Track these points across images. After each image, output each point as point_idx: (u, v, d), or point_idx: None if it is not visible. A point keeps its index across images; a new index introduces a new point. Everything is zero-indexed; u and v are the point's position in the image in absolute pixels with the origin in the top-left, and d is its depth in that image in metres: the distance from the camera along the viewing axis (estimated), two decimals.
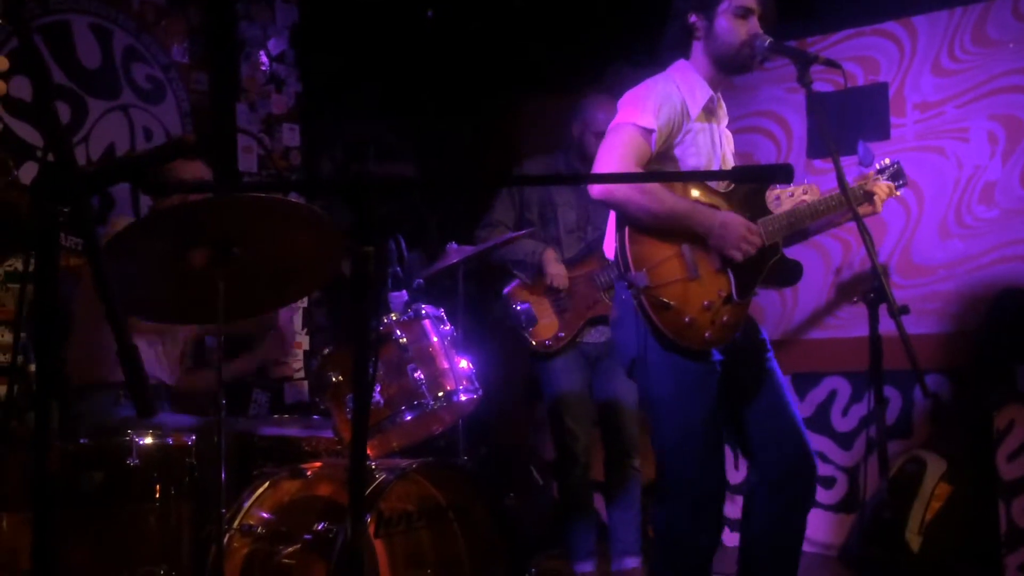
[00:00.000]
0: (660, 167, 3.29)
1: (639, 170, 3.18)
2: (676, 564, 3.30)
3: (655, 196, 3.17)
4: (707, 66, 3.36)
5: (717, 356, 3.27)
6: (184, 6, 5.03)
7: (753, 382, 3.36)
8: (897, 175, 3.62)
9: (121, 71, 4.72)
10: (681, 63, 3.39)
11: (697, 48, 3.37)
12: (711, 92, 3.37)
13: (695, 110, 3.32)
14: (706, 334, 3.18)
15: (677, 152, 3.31)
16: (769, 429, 3.34)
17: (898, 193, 3.63)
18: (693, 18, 3.34)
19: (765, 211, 3.34)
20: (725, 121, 3.52)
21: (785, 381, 3.42)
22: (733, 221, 3.21)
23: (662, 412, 3.27)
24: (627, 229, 3.19)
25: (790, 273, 3.39)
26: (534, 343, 4.67)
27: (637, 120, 3.21)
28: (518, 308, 4.70)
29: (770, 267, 3.32)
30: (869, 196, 3.49)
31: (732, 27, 3.28)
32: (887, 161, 3.64)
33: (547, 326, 4.66)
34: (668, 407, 3.25)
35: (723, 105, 3.50)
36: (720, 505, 3.31)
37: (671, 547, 3.30)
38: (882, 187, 3.54)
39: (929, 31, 5.11)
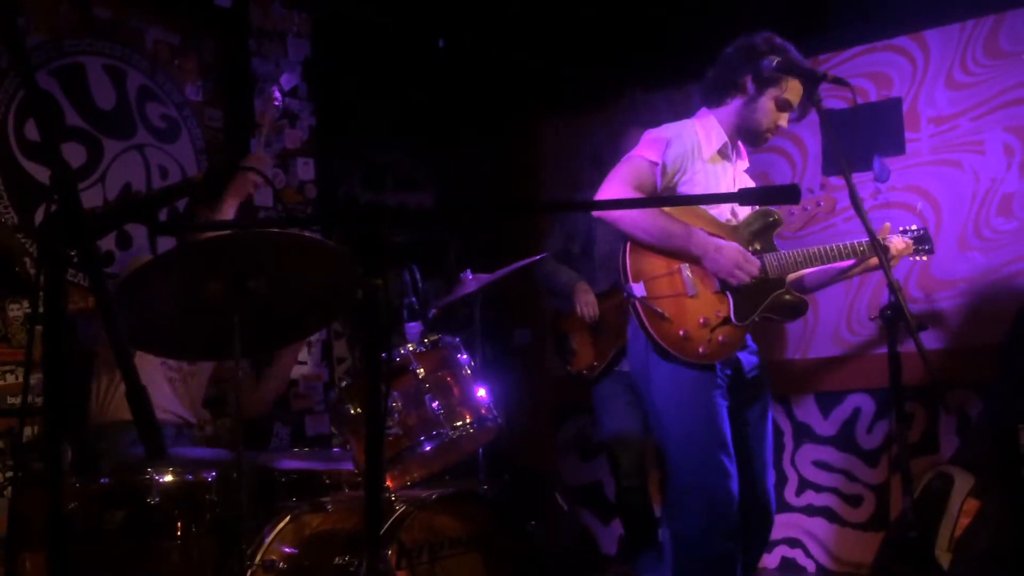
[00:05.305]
0: None
1: (638, 194, 3.35)
2: (695, 573, 3.38)
3: (652, 215, 3.35)
4: (729, 123, 3.53)
5: (726, 370, 3.41)
6: (197, 44, 5.07)
7: (748, 430, 3.51)
8: (923, 239, 3.65)
9: (136, 111, 4.75)
10: (704, 111, 3.56)
11: (731, 103, 3.51)
12: (726, 138, 3.53)
13: (708, 152, 3.48)
14: (700, 349, 3.32)
15: (684, 189, 3.45)
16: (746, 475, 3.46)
17: (919, 258, 3.70)
18: (745, 79, 3.45)
19: (773, 248, 3.49)
20: (742, 165, 3.66)
21: (771, 440, 3.58)
22: (729, 247, 3.36)
23: (665, 420, 3.42)
24: (629, 242, 3.38)
25: (794, 309, 3.53)
26: (573, 371, 4.82)
27: (644, 154, 3.42)
28: (558, 338, 4.89)
29: (774, 300, 3.45)
30: (884, 249, 3.48)
31: (768, 111, 3.47)
32: (914, 227, 3.69)
33: (584, 355, 4.78)
34: (671, 414, 3.39)
35: (741, 148, 3.64)
36: (731, 509, 3.33)
37: (688, 557, 3.40)
38: (898, 242, 3.59)
39: (941, 45, 5.10)
